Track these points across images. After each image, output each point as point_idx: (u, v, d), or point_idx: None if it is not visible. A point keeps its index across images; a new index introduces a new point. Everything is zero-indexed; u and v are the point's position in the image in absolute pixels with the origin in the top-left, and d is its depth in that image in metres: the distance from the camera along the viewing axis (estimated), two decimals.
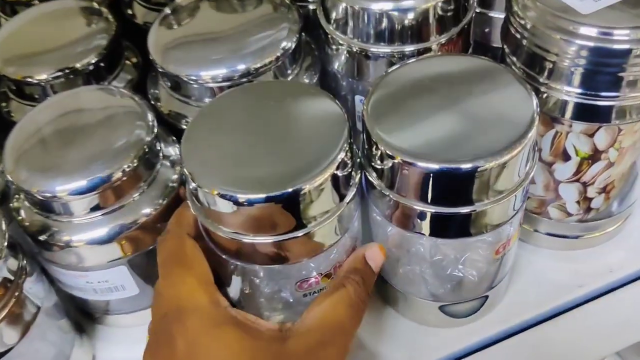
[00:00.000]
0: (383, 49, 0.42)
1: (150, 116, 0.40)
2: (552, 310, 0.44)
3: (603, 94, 0.37)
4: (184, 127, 0.43)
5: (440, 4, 0.40)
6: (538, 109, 0.34)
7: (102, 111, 0.40)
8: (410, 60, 0.38)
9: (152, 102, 0.45)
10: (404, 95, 0.36)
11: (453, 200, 0.34)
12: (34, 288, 0.38)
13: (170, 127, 0.44)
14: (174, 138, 0.44)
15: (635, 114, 0.38)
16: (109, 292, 0.41)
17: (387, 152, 0.33)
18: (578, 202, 0.44)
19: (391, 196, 0.35)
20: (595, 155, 0.40)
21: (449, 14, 0.41)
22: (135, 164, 0.38)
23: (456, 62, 0.38)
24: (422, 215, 0.35)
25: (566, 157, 0.41)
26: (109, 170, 0.37)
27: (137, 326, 0.42)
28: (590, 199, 0.44)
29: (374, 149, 0.34)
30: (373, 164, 0.35)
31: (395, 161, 0.33)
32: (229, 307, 0.34)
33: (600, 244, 0.47)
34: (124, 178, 0.38)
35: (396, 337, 0.44)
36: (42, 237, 0.39)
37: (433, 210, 0.34)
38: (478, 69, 0.37)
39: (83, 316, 0.46)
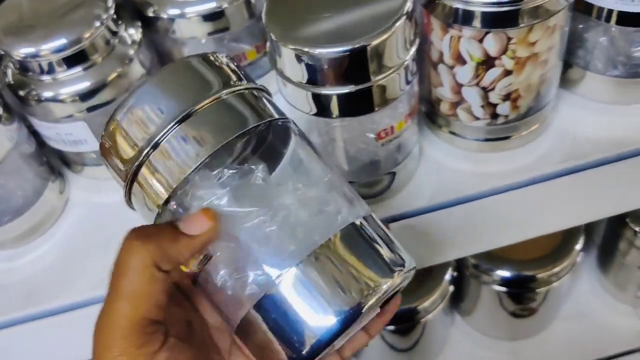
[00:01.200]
0: None
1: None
2: (450, 201, 0.50)
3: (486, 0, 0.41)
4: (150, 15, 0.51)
5: None
6: (410, 5, 0.40)
7: None
8: None
9: None
10: None
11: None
12: (10, 132, 0.48)
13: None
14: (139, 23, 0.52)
15: (521, 20, 0.42)
16: (74, 144, 0.51)
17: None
18: (482, 106, 0.48)
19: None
20: (488, 61, 0.45)
21: None
22: (89, 37, 0.46)
23: None
24: (323, 98, 0.41)
25: (462, 61, 0.45)
26: (69, 38, 0.46)
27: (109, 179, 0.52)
28: (495, 105, 0.48)
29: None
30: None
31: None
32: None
33: (510, 149, 0.52)
34: (81, 46, 0.46)
35: None
36: (21, 93, 0.49)
37: (332, 92, 0.41)
38: None
39: (66, 167, 0.56)
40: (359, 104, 0.42)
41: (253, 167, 0.31)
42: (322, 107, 0.42)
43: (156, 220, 0.32)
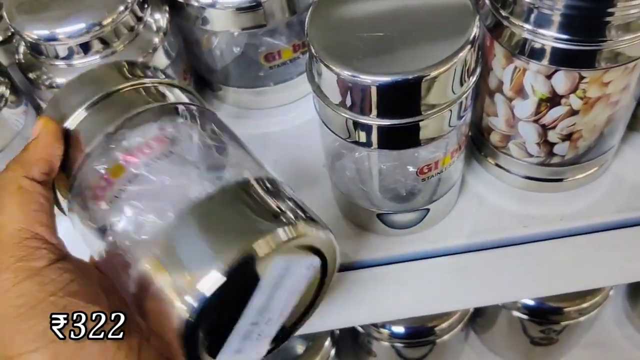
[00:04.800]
0: None
1: None
2: (489, 242, 0.45)
3: (555, 34, 0.36)
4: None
5: None
6: (477, 31, 0.34)
7: None
8: None
9: None
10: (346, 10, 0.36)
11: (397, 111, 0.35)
12: (16, 116, 0.44)
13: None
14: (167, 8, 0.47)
15: (598, 63, 0.37)
16: None
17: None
18: (538, 143, 0.43)
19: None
20: (554, 99, 0.39)
21: None
22: (110, 22, 0.42)
23: None
24: (363, 127, 0.36)
25: (524, 94, 0.40)
26: (88, 22, 0.41)
27: None
28: (553, 144, 0.43)
29: None
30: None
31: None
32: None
33: (560, 191, 0.47)
34: (100, 31, 0.42)
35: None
36: (31, 75, 0.44)
37: (374, 122, 0.36)
38: None
39: None
40: (402, 138, 0.37)
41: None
42: (361, 135, 0.37)
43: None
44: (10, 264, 0.28)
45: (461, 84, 0.35)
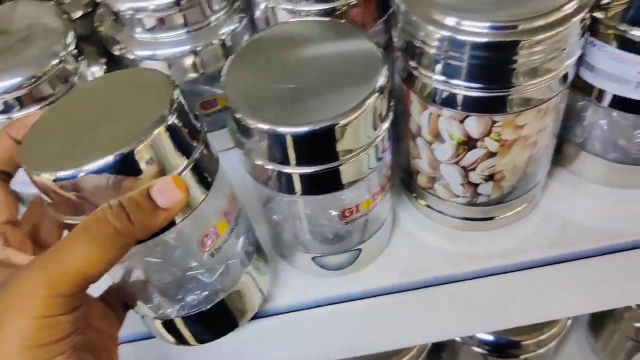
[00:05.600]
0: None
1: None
2: (421, 281, 0.46)
3: (463, 83, 0.37)
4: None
5: None
6: (384, 80, 0.36)
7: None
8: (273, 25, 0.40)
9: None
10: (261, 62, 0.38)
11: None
12: None
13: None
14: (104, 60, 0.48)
15: (509, 107, 0.38)
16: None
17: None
18: (462, 184, 0.44)
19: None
20: (470, 142, 0.41)
21: None
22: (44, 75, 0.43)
23: (321, 28, 0.39)
24: (284, 175, 0.37)
25: (442, 138, 0.41)
26: (23, 75, 0.43)
27: None
28: (476, 185, 0.44)
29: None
30: None
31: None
32: None
33: (491, 229, 0.48)
34: (34, 84, 0.43)
35: (285, 284, 0.47)
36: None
37: (294, 171, 0.37)
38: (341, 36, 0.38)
39: None
40: (323, 184, 0.38)
41: None
42: (283, 184, 0.38)
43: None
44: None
45: (374, 128, 0.37)
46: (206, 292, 0.39)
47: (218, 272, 0.38)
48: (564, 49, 0.36)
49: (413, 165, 0.46)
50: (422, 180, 0.46)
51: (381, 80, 0.36)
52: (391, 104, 0.38)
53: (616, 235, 0.46)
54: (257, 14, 0.46)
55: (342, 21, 0.40)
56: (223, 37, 0.48)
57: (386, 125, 0.38)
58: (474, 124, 0.39)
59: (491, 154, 0.41)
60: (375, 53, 0.37)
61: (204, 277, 0.38)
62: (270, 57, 0.38)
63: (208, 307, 0.39)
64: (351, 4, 0.43)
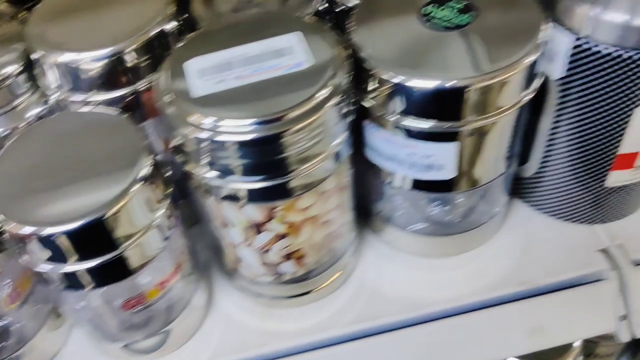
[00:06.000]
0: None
1: None
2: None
3: (234, 178, 0.38)
4: None
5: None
6: (147, 170, 0.37)
7: None
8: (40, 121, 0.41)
9: None
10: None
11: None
12: None
13: None
14: None
15: (289, 192, 0.39)
16: None
17: None
18: (263, 264, 0.45)
19: None
20: (256, 226, 0.41)
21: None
22: None
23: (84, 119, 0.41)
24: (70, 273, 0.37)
25: (230, 223, 0.42)
26: None
27: None
28: (276, 264, 0.45)
29: None
30: None
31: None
32: None
33: (304, 304, 0.48)
34: None
35: None
36: None
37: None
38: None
39: None
40: (109, 274, 0.38)
41: None
42: (71, 279, 0.38)
43: None
44: None
45: (150, 212, 0.38)
46: None
47: None
48: (326, 132, 0.38)
49: (218, 247, 0.46)
50: (229, 260, 0.47)
51: (143, 170, 0.37)
52: (168, 190, 0.39)
53: (421, 305, 0.47)
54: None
55: (116, 113, 0.41)
56: None
57: (163, 210, 0.39)
58: (254, 212, 0.40)
59: (282, 236, 0.42)
60: (138, 146, 0.38)
61: None
62: (37, 152, 0.39)
63: None
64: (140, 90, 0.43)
